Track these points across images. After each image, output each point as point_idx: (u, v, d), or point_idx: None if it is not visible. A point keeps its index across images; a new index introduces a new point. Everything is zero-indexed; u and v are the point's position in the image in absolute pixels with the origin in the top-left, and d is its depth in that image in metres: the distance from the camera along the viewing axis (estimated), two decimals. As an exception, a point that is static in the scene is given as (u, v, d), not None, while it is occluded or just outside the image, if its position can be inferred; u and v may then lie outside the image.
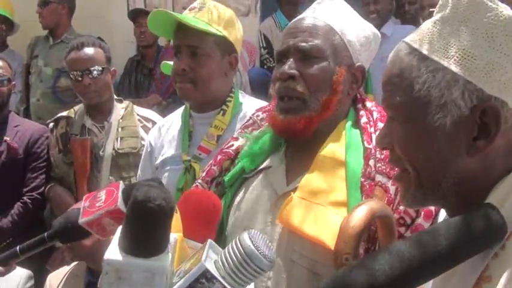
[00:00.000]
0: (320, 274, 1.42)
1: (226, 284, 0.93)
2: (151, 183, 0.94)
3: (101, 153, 3.01)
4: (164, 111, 3.65)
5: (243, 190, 1.62)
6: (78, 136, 3.06)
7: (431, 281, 0.99)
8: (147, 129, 2.89)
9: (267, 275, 1.45)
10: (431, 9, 3.95)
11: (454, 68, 0.96)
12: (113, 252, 0.90)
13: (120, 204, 1.08)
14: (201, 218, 1.26)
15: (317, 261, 1.42)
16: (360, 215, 1.20)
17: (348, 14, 1.65)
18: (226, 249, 0.97)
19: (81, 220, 1.09)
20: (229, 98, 2.24)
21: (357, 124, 1.58)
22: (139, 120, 3.06)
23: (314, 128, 1.55)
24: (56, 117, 3.21)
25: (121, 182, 1.14)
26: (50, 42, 4.59)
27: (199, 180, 1.69)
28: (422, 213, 1.40)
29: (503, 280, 0.89)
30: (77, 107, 3.21)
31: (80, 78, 3.01)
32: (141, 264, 0.89)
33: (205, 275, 0.93)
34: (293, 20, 1.66)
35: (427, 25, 1.02)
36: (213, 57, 2.17)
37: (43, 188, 3.23)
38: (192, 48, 2.15)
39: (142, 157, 2.45)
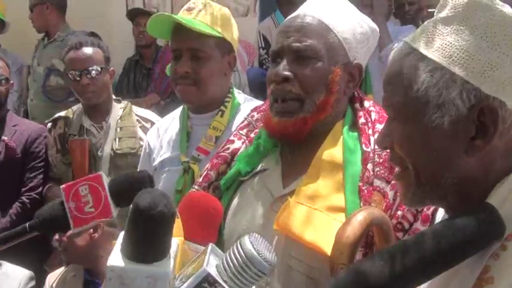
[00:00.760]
0: (317, 280, 1.41)
1: None
2: (151, 189, 0.94)
3: (99, 153, 3.00)
4: (162, 111, 3.65)
5: (239, 193, 1.60)
6: (76, 136, 3.05)
7: (427, 283, 0.99)
8: (145, 130, 2.88)
9: (264, 281, 1.45)
10: (429, 10, 3.96)
11: (452, 67, 0.96)
12: (116, 258, 0.91)
13: (113, 209, 1.09)
14: (203, 221, 1.27)
15: (314, 267, 1.42)
16: (356, 224, 1.20)
17: (343, 10, 1.61)
18: (227, 253, 0.98)
19: (74, 230, 1.10)
20: (227, 99, 2.24)
21: (354, 125, 1.56)
22: (137, 120, 3.05)
23: (308, 130, 1.53)
24: (54, 117, 3.20)
25: (102, 173, 1.13)
26: (45, 42, 4.59)
27: (196, 186, 1.67)
28: (420, 217, 1.40)
29: (506, 284, 0.89)
30: (75, 107, 3.20)
31: (78, 78, 3.00)
32: (144, 270, 0.90)
33: (208, 279, 0.94)
34: (287, 18, 1.62)
35: (427, 25, 1.02)
36: (213, 58, 2.17)
37: (41, 187, 3.23)
38: (193, 51, 2.14)
39: (141, 158, 2.45)
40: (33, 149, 3.27)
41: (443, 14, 1.01)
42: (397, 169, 1.09)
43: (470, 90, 0.95)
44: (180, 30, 2.15)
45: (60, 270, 2.57)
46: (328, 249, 1.27)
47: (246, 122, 1.74)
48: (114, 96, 3.17)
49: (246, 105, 2.25)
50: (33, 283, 2.63)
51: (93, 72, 2.99)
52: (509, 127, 0.97)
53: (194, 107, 2.25)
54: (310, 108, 1.51)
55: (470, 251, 0.93)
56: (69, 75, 3.04)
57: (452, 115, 0.96)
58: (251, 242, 0.97)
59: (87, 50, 3.03)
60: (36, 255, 3.06)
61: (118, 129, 3.03)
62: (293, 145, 1.57)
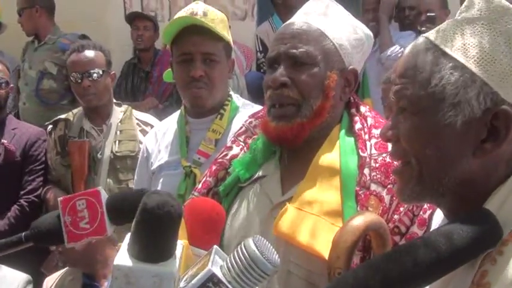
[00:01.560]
0: (316, 284, 1.42)
1: None
2: (159, 190, 0.95)
3: (99, 156, 3.01)
4: (161, 114, 3.66)
5: (238, 200, 1.61)
6: (76, 138, 3.06)
7: None
8: (145, 133, 2.89)
9: (264, 285, 1.46)
10: (429, 14, 3.99)
11: (473, 68, 0.96)
12: (122, 257, 0.92)
13: (108, 227, 1.09)
14: (206, 226, 1.28)
15: (313, 271, 1.42)
16: (352, 229, 1.22)
17: (339, 16, 1.62)
18: (231, 255, 1.00)
19: (68, 245, 1.09)
20: (226, 102, 2.27)
21: (350, 130, 1.57)
22: (137, 124, 3.07)
23: (305, 135, 1.54)
24: (54, 119, 3.21)
25: (100, 189, 1.12)
26: (35, 45, 4.59)
27: (196, 193, 1.68)
28: (417, 221, 1.41)
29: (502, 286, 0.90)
30: (75, 110, 3.22)
31: (79, 81, 3.02)
32: (150, 269, 0.91)
33: (212, 279, 0.96)
34: (283, 25, 1.64)
35: (449, 24, 1.03)
36: (222, 62, 2.22)
37: (40, 190, 3.24)
38: (207, 54, 2.17)
39: (139, 162, 2.46)
40: (32, 152, 3.27)
41: (468, 15, 1.01)
42: (397, 163, 1.09)
43: (488, 93, 0.95)
44: (191, 33, 2.16)
45: (58, 273, 2.56)
46: (326, 253, 1.28)
47: (243, 129, 1.75)
48: (114, 100, 3.19)
49: (245, 108, 2.27)
50: (30, 286, 2.63)
51: (95, 75, 3.01)
52: None
53: (199, 112, 2.26)
54: (307, 113, 1.52)
55: (465, 259, 0.93)
56: (71, 78, 3.07)
57: (466, 115, 0.96)
58: (255, 244, 0.98)
59: (89, 53, 3.06)
60: (33, 258, 3.04)
61: (118, 132, 3.04)
62: (291, 151, 1.59)
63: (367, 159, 1.49)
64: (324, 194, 1.48)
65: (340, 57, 1.57)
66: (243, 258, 0.98)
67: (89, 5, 5.20)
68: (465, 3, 1.04)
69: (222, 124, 2.22)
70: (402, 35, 4.30)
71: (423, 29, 3.61)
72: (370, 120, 1.57)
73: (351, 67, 1.59)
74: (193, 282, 0.96)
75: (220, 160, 1.69)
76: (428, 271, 0.92)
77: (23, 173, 3.25)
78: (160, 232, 0.91)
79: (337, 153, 1.53)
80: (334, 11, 1.64)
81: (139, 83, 4.81)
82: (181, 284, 0.98)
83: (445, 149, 0.99)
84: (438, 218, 1.17)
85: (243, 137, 1.72)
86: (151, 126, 2.91)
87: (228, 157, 1.68)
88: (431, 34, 1.03)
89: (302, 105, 1.52)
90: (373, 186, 1.45)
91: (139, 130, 3.03)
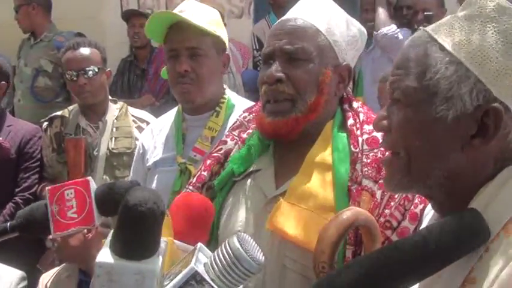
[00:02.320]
0: (312, 279, 1.41)
1: (215, 286, 0.95)
2: (141, 186, 0.95)
3: (95, 152, 3.01)
4: (157, 111, 3.66)
5: (233, 194, 1.62)
6: (72, 135, 3.06)
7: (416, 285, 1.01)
8: (141, 130, 2.90)
9: (260, 280, 1.46)
10: (426, 13, 3.99)
11: (468, 64, 0.97)
12: (105, 255, 0.91)
13: (97, 217, 1.07)
14: (194, 222, 1.28)
15: (308, 266, 1.41)
16: (337, 225, 1.23)
17: (333, 13, 1.64)
18: (215, 252, 0.99)
19: (54, 235, 1.07)
20: (222, 100, 2.26)
21: (343, 126, 1.58)
22: (133, 120, 3.06)
23: (300, 130, 1.55)
24: (50, 116, 3.21)
25: (90, 179, 1.10)
26: (31, 42, 4.58)
27: (190, 187, 1.68)
28: (408, 216, 1.42)
29: (486, 284, 0.91)
30: (71, 107, 3.21)
31: (75, 78, 3.01)
32: (132, 267, 0.90)
33: (195, 277, 0.95)
34: (278, 21, 1.65)
35: (449, 19, 1.04)
36: (211, 57, 2.20)
37: (35, 188, 3.22)
38: (192, 49, 2.16)
39: (134, 159, 2.46)
40: (27, 149, 3.26)
41: (468, 11, 1.02)
42: (387, 154, 1.10)
43: (481, 90, 0.96)
44: (176, 30, 2.17)
45: (54, 270, 2.55)
46: None
47: (238, 123, 1.76)
48: (110, 97, 3.18)
49: (241, 106, 2.26)
50: (24, 283, 2.61)
51: (90, 72, 3.00)
52: (507, 133, 0.98)
53: (191, 108, 2.26)
54: (302, 109, 1.53)
55: (452, 259, 0.94)
56: (66, 75, 3.06)
57: (458, 110, 0.97)
58: (239, 241, 0.98)
59: (85, 51, 3.05)
60: (29, 254, 3.05)
61: (114, 128, 3.04)
62: (285, 145, 1.60)
63: (359, 155, 1.50)
64: (316, 189, 1.49)
65: (334, 53, 1.58)
66: (226, 256, 0.98)
67: (85, 2, 5.20)
68: (466, 0, 1.04)
69: (218, 121, 2.22)
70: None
71: (420, 27, 3.61)
72: (362, 116, 1.59)
73: (345, 63, 1.60)
74: (175, 280, 0.95)
75: (214, 154, 1.70)
76: (415, 272, 0.93)
77: (18, 171, 3.24)
78: (142, 229, 0.89)
79: (330, 148, 1.54)
80: (329, 8, 1.65)
81: (135, 80, 4.80)
82: (165, 281, 0.97)
83: (435, 142, 1.00)
84: (430, 212, 1.18)
85: (237, 131, 1.72)
86: (147, 123, 2.91)
87: (222, 151, 1.69)
88: (431, 27, 1.05)
89: (297, 100, 1.53)
90: (365, 182, 1.46)
91: (135, 127, 3.03)
